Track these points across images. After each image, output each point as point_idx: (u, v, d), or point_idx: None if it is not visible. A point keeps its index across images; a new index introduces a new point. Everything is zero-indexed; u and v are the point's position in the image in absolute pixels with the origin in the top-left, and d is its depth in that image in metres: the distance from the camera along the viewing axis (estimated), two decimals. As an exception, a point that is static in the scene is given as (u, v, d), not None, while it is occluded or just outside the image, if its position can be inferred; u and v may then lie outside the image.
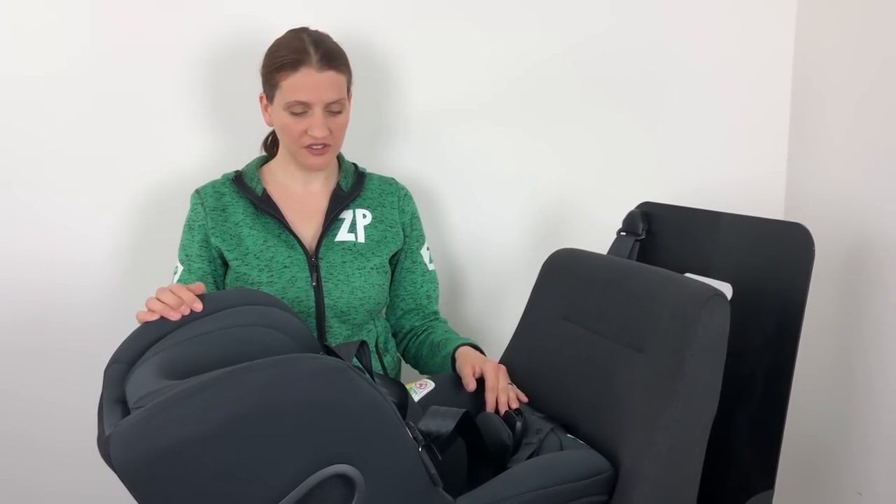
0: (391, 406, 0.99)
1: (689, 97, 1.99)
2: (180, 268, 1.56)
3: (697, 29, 1.96)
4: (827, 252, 1.83)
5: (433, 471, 1.01)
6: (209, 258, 1.56)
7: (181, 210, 1.61)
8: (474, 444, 1.26)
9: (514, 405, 1.37)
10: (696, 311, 1.15)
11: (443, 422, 1.10)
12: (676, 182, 1.99)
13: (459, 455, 1.31)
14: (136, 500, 0.95)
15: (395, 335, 1.72)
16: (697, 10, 1.96)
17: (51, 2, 1.72)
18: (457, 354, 1.52)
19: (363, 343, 1.28)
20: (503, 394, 1.39)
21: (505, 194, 1.95)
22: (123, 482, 0.93)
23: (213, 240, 1.55)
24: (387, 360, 1.64)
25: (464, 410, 1.14)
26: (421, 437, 1.03)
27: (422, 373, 1.64)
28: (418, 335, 1.66)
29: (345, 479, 0.95)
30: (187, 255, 1.56)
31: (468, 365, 1.46)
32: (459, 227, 1.94)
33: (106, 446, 0.94)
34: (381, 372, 1.62)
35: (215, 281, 1.58)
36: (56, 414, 1.82)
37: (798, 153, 2.00)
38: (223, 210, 1.57)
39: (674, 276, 1.26)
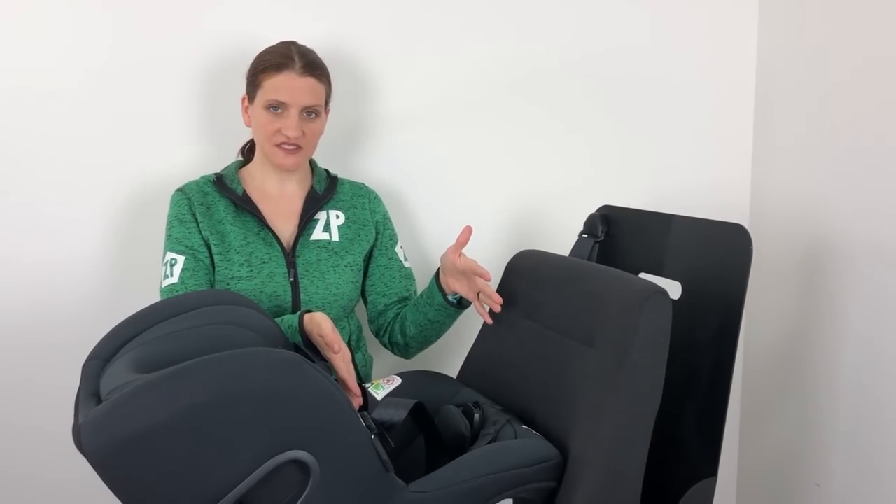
0: (344, 396, 1.06)
1: (658, 104, 2.06)
2: (180, 259, 1.59)
3: (663, 37, 2.04)
4: (790, 252, 1.90)
5: (385, 457, 1.08)
6: (207, 248, 1.62)
7: (164, 211, 1.68)
8: (433, 437, 1.33)
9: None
10: (639, 307, 1.22)
11: (395, 411, 1.18)
12: (645, 187, 2.06)
13: (420, 449, 1.38)
14: (107, 485, 1.01)
15: (380, 332, 1.77)
16: (661, 18, 2.03)
17: (46, 19, 1.79)
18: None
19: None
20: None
21: (474, 199, 2.01)
22: (94, 468, 1.00)
23: (203, 232, 1.62)
24: (357, 357, 1.71)
25: (416, 401, 1.21)
26: (374, 426, 1.10)
27: (419, 333, 1.68)
28: (401, 312, 1.73)
29: (300, 464, 1.02)
30: (187, 247, 1.60)
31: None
32: (431, 232, 2.01)
33: (78, 435, 1.00)
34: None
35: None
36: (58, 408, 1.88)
37: (762, 158, 2.07)
38: (208, 207, 1.64)
39: (621, 274, 1.33)
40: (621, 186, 2.04)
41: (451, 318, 1.65)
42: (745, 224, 2.11)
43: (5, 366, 1.87)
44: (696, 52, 2.05)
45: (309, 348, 1.40)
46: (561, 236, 1.83)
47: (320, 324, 1.38)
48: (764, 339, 2.05)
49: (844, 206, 1.72)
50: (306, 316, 1.43)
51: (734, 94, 2.08)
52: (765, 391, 2.05)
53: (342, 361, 1.35)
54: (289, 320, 1.46)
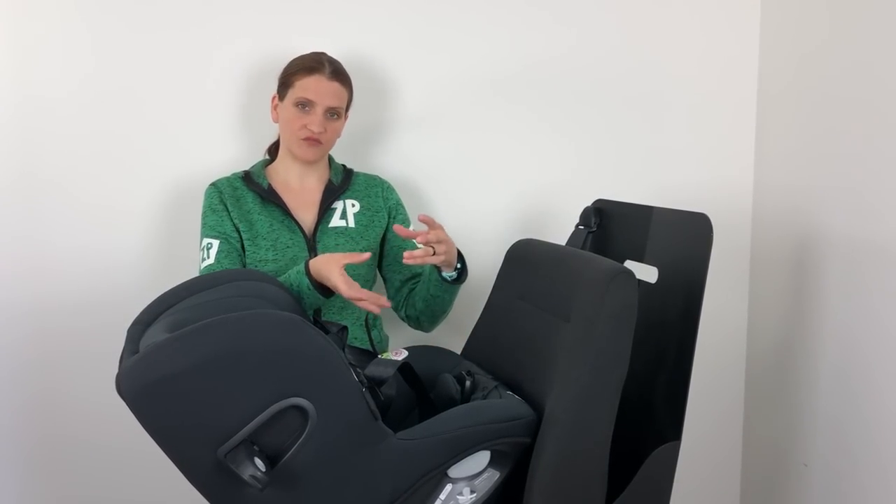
0: (339, 353, 1.24)
1: (665, 103, 2.20)
2: (215, 243, 1.80)
3: (667, 37, 2.18)
4: (790, 244, 2.01)
5: (373, 407, 1.26)
6: (238, 234, 1.82)
7: (200, 204, 1.89)
8: (427, 401, 1.51)
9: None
10: (605, 286, 1.37)
11: (384, 369, 1.36)
12: (650, 183, 2.20)
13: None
14: (140, 422, 1.21)
15: (399, 307, 1.94)
16: (665, 17, 2.17)
17: (101, 30, 2.05)
18: None
19: (343, 328, 1.56)
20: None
21: (481, 193, 2.19)
22: (129, 407, 1.20)
23: (234, 220, 1.83)
24: (374, 334, 1.90)
25: (403, 361, 1.39)
26: (365, 380, 1.28)
27: (426, 307, 1.86)
28: (414, 288, 1.91)
29: (300, 409, 1.20)
30: (221, 232, 1.81)
31: None
32: (441, 220, 2.16)
33: (118, 381, 1.21)
34: (370, 345, 1.88)
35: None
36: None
37: (763, 156, 2.19)
38: (237, 199, 1.85)
39: (595, 258, 1.48)
40: (627, 183, 2.18)
41: (450, 293, 1.82)
42: (748, 218, 2.25)
43: (71, 335, 2.13)
44: (699, 52, 2.18)
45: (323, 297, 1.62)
46: (565, 227, 1.97)
47: (328, 277, 1.63)
48: (757, 329, 2.17)
49: (840, 202, 1.82)
50: (311, 261, 1.67)
51: (737, 94, 2.21)
52: (760, 379, 2.17)
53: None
54: (296, 269, 1.69)
